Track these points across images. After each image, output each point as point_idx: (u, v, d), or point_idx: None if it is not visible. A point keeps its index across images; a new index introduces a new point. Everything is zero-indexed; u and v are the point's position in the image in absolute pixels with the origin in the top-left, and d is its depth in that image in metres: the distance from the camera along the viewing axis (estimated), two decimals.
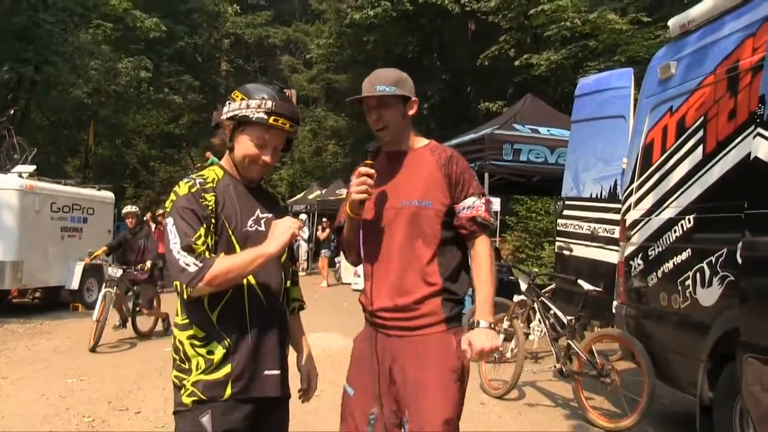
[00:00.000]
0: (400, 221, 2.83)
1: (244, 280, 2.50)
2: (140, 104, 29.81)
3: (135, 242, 10.31)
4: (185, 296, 2.38)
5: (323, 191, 25.83)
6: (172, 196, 2.52)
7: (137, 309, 10.36)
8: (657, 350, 5.52)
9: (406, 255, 2.83)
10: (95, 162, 27.72)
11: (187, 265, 2.37)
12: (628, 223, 5.97)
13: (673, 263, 5.18)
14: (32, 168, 13.76)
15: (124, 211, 10.62)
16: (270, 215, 2.64)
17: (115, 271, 9.75)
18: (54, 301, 13.91)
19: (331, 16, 30.22)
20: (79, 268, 13.58)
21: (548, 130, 10.55)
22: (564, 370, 6.29)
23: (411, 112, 2.91)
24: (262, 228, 2.59)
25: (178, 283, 2.39)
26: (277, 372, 2.58)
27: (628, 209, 6.01)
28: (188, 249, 2.40)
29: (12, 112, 15.97)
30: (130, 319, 10.25)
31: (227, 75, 39.66)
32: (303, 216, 22.52)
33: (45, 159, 23.74)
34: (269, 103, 2.50)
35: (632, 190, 5.96)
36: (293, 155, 36.54)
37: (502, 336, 7.07)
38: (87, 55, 21.50)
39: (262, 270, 2.49)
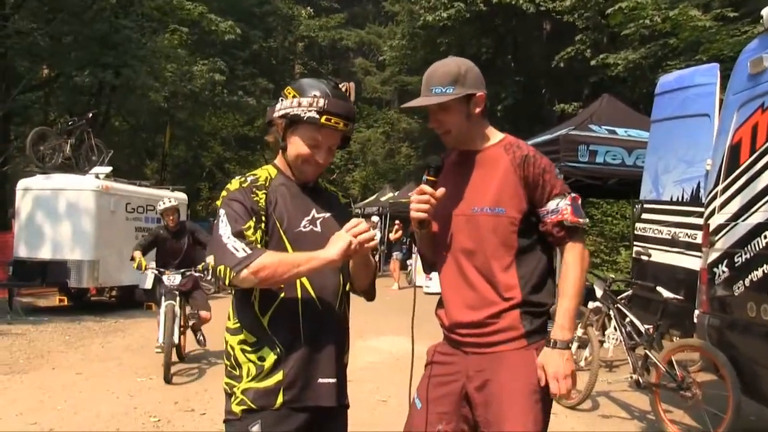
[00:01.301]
0: (472, 230, 2.60)
1: (298, 282, 2.36)
2: (215, 107, 30.26)
3: (176, 243, 8.77)
4: (227, 281, 2.26)
5: (396, 193, 25.73)
6: (224, 192, 2.43)
7: (188, 323, 8.77)
8: (742, 363, 5.17)
9: (479, 266, 2.59)
10: (172, 164, 28.30)
11: (236, 249, 2.26)
12: (712, 227, 5.61)
13: (763, 271, 4.83)
14: (108, 169, 14.20)
15: (160, 207, 8.84)
16: (327, 215, 2.51)
17: (173, 279, 8.26)
18: (129, 301, 14.17)
19: (403, 18, 30.10)
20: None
21: (626, 131, 10.16)
22: (641, 381, 5.98)
23: (477, 110, 2.61)
24: (318, 229, 2.46)
25: (222, 267, 2.26)
26: (332, 380, 2.44)
27: (712, 213, 5.66)
28: (239, 235, 2.30)
29: (91, 115, 16.43)
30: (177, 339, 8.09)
31: (302, 77, 39.74)
32: (375, 218, 22.42)
33: (124, 162, 24.42)
34: (321, 102, 2.36)
35: (717, 192, 5.61)
36: (366, 157, 36.58)
37: (576, 344, 6.79)
38: (164, 59, 21.93)
39: (318, 272, 2.33)
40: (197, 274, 8.59)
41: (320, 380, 2.40)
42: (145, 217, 14.38)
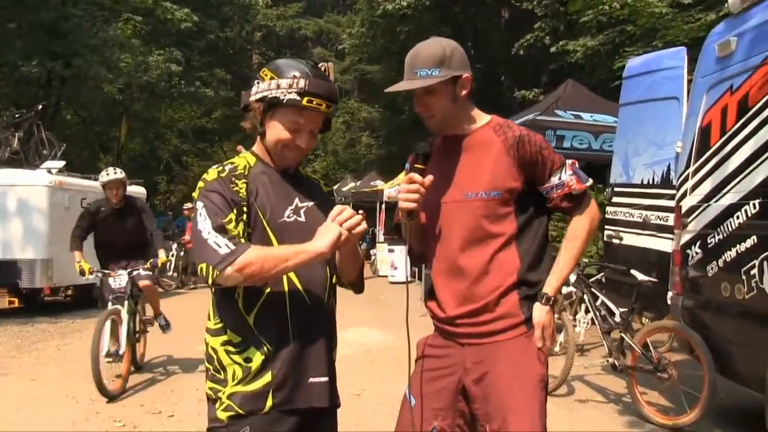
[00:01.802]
0: (465, 216, 2.51)
1: (284, 276, 2.23)
2: (172, 98, 29.64)
3: (120, 224, 7.36)
4: (210, 281, 2.10)
5: (357, 183, 25.67)
6: (200, 183, 2.27)
7: (144, 328, 7.88)
8: (717, 343, 5.24)
9: (473, 254, 2.51)
10: (128, 158, 27.72)
11: (218, 245, 2.10)
12: (684, 209, 5.66)
13: (737, 251, 4.88)
14: (62, 163, 13.58)
15: (102, 179, 7.27)
16: (311, 204, 2.38)
17: (119, 281, 7.01)
18: (86, 300, 13.42)
19: (362, 6, 29.77)
20: None
21: (591, 116, 10.24)
22: (617, 364, 6.02)
23: (464, 92, 2.51)
24: (302, 218, 2.33)
25: (204, 265, 2.10)
26: (324, 379, 2.31)
27: (683, 195, 5.71)
28: (221, 229, 2.14)
29: (40, 107, 15.75)
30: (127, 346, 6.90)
31: (259, 68, 39.33)
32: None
33: (77, 156, 23.62)
34: (302, 82, 2.22)
35: (688, 174, 5.66)
36: (326, 147, 36.37)
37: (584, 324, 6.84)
38: (117, 48, 21.26)
39: (305, 265, 2.20)
40: (146, 272, 7.37)
41: (311, 380, 2.28)
42: None
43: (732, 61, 5.19)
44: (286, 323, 2.24)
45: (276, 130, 2.29)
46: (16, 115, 15.04)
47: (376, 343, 9.12)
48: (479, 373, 2.47)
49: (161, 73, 24.69)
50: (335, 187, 28.27)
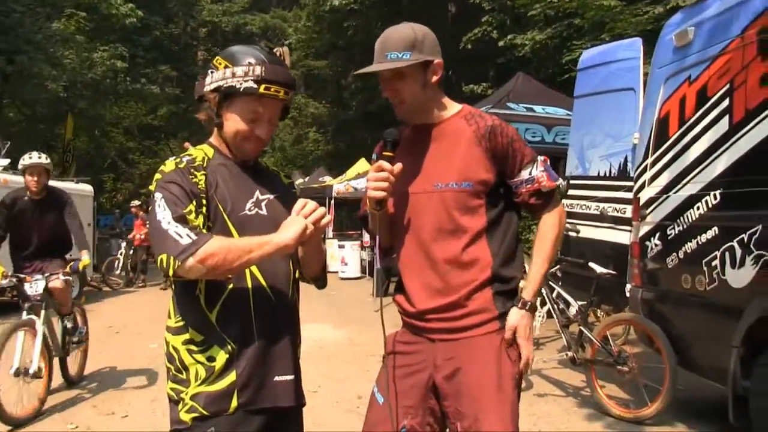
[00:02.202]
0: (435, 207, 2.41)
1: (247, 271, 2.14)
2: (117, 95, 29.16)
3: (40, 217, 6.40)
4: (170, 272, 2.00)
5: (306, 179, 25.47)
6: (158, 175, 2.16)
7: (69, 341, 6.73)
8: (677, 335, 5.22)
9: (445, 246, 2.41)
10: (74, 156, 27.13)
11: (180, 236, 2.00)
12: (642, 201, 5.63)
13: (697, 242, 4.85)
14: (6, 161, 13.26)
15: (23, 163, 6.51)
16: (271, 196, 2.30)
17: (36, 286, 6.08)
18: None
19: (309, 1, 29.61)
20: None
21: (543, 109, 10.24)
22: (576, 358, 5.96)
23: (435, 78, 2.42)
24: (264, 211, 2.25)
25: (164, 256, 2.00)
26: (289, 377, 2.24)
27: (641, 187, 5.68)
28: (181, 219, 2.04)
29: None
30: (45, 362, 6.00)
31: (204, 64, 39.01)
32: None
33: (21, 154, 23.07)
34: (258, 69, 2.13)
35: (646, 166, 5.63)
36: (274, 143, 36.03)
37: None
38: (61, 45, 20.86)
39: (268, 259, 2.12)
40: (64, 278, 6.29)
41: (276, 378, 2.20)
42: None
43: (690, 51, 5.17)
44: (250, 320, 2.15)
45: (233, 122, 2.20)
46: None
47: (330, 339, 9.04)
48: (450, 370, 2.38)
49: (106, 70, 24.42)
50: None
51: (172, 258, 1.98)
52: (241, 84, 2.13)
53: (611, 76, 7.03)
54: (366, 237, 17.43)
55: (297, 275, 2.35)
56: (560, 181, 2.53)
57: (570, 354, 6.06)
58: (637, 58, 6.73)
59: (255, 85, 2.12)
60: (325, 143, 34.13)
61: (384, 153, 2.42)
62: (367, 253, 17.44)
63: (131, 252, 16.73)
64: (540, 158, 2.49)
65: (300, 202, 2.15)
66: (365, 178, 13.67)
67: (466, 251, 2.39)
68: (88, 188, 15.39)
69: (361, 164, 19.30)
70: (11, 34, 18.30)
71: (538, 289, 2.47)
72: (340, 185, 19.04)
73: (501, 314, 2.41)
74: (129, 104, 32.28)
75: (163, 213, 2.05)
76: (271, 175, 2.43)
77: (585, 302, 6.23)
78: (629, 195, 6.06)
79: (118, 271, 16.75)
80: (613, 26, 14.71)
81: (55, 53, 20.33)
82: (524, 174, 2.43)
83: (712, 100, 4.79)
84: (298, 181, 25.93)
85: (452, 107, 2.52)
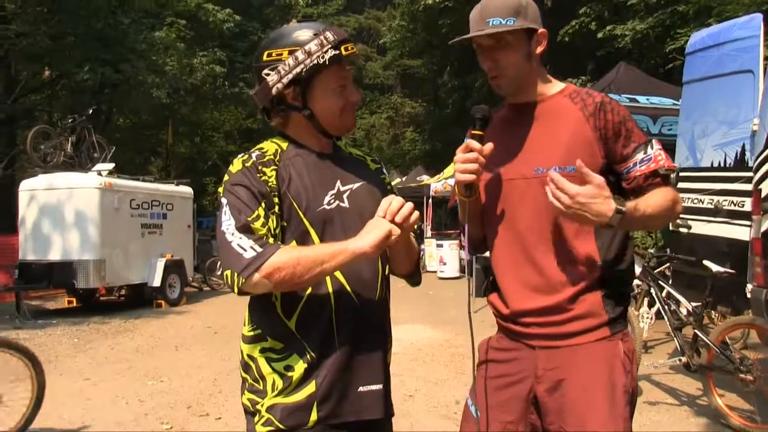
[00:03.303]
0: (534, 195, 2.10)
1: None
2: (217, 100, 29.98)
3: None
4: (235, 290, 1.87)
5: (404, 179, 25.38)
6: (226, 177, 2.00)
7: None
8: None
9: (547, 239, 2.12)
10: (176, 160, 28.02)
11: (243, 249, 1.85)
12: (764, 193, 5.13)
13: None
14: (111, 166, 13.85)
15: None
16: (356, 185, 2.10)
17: None
18: (138, 299, 13.94)
19: (402, 1, 29.62)
20: (160, 265, 13.61)
21: (647, 99, 9.70)
22: (692, 363, 5.50)
23: (539, 50, 2.16)
24: (346, 204, 2.04)
25: (228, 273, 1.86)
26: (376, 387, 2.04)
27: (763, 177, 5.19)
28: (245, 229, 1.88)
29: (91, 111, 16.01)
30: None
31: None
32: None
33: (129, 160, 24.25)
34: (329, 35, 1.98)
35: None
36: (371, 144, 36.21)
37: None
38: (162, 52, 21.67)
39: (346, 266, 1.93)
40: None
41: (361, 389, 2.00)
42: (150, 213, 14.01)
43: None
44: (331, 326, 1.98)
45: (327, 100, 2.03)
46: (69, 120, 15.44)
47: (427, 340, 8.87)
48: (554, 382, 2.09)
49: (206, 75, 25.32)
50: None
51: (236, 274, 1.84)
52: (323, 57, 1.96)
53: (726, 58, 6.45)
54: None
55: (387, 271, 2.15)
56: (676, 166, 2.18)
57: (684, 359, 5.61)
58: (756, 36, 6.13)
59: (336, 51, 1.97)
60: (422, 142, 34.07)
61: (473, 132, 2.15)
62: (465, 253, 17.12)
63: None
64: (654, 140, 2.17)
65: (385, 200, 1.94)
66: None
67: (570, 246, 2.10)
68: (188, 190, 15.75)
69: None
70: (117, 45, 19.16)
71: (638, 215, 2.00)
72: (437, 184, 18.86)
73: (611, 320, 2.10)
74: (228, 109, 33.12)
75: (227, 222, 1.90)
76: (355, 161, 2.22)
77: (699, 303, 5.74)
78: (748, 187, 5.54)
79: (219, 272, 16.99)
80: (721, 9, 13.95)
81: (157, 61, 21.16)
82: (638, 155, 2.11)
83: None
84: (395, 181, 25.86)
85: (555, 85, 2.24)
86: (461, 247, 17.30)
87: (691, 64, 7.18)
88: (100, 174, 13.04)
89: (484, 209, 2.27)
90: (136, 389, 6.85)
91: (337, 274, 1.96)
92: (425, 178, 22.21)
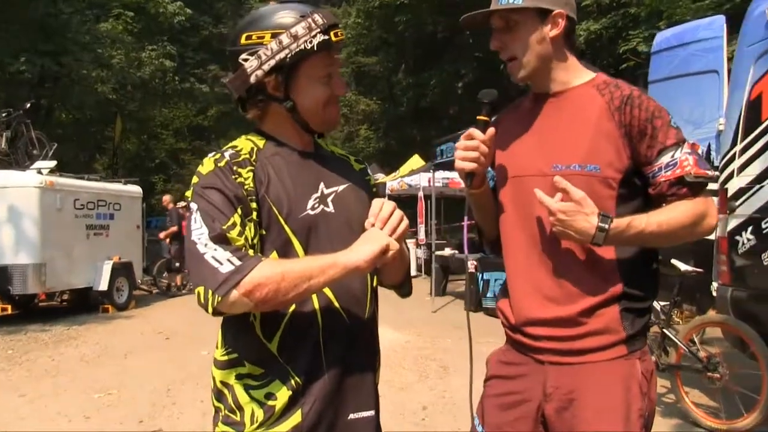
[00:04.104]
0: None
1: None
2: (166, 96, 29.36)
3: None
4: (209, 310, 1.63)
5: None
6: (195, 178, 1.76)
7: None
8: None
9: (564, 244, 1.93)
10: (124, 158, 27.36)
11: (219, 262, 1.62)
12: (730, 192, 5.16)
13: None
14: (53, 163, 13.07)
15: None
16: (341, 188, 1.88)
17: None
18: (83, 304, 13.20)
19: None
20: (107, 268, 12.93)
21: None
22: (660, 363, 5.49)
23: (555, 33, 1.95)
24: (331, 209, 1.82)
25: (200, 290, 1.63)
26: (368, 414, 1.85)
27: (729, 177, 5.21)
28: (221, 239, 1.65)
29: (29, 105, 15.14)
30: None
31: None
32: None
33: (72, 157, 23.51)
34: (318, 18, 1.75)
35: (734, 154, 5.16)
36: (325, 141, 35.98)
37: None
38: (108, 45, 21.04)
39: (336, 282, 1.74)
40: None
41: (352, 416, 1.81)
42: (96, 214, 13.35)
43: None
44: (318, 348, 1.76)
45: (311, 91, 1.80)
46: (3, 115, 14.38)
47: (389, 343, 8.60)
48: (564, 401, 1.93)
49: (155, 70, 24.67)
50: None
51: (210, 292, 1.61)
52: (311, 41, 1.73)
53: (691, 58, 6.51)
54: (421, 235, 17.08)
55: (375, 283, 1.93)
56: (713, 172, 2.00)
57: (652, 358, 5.60)
58: (719, 37, 6.22)
59: (326, 36, 1.75)
60: (376, 140, 33.89)
61: (478, 117, 1.99)
62: (423, 251, 17.08)
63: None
64: (689, 142, 1.97)
65: (376, 203, 1.76)
66: (419, 174, 13.17)
67: (591, 252, 1.92)
68: (136, 189, 15.16)
69: (415, 160, 18.97)
70: (59, 36, 18.43)
71: (631, 233, 1.84)
72: (393, 182, 18.75)
73: (629, 337, 1.92)
74: (178, 105, 32.54)
75: (198, 231, 1.67)
76: (338, 160, 1.99)
77: (667, 303, 5.74)
78: (714, 186, 5.56)
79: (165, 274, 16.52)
80: (671, 13, 14.18)
81: (103, 54, 20.48)
82: (664, 157, 1.88)
83: None
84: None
85: (583, 74, 2.03)
86: (418, 245, 17.27)
87: (656, 63, 7.22)
88: (40, 172, 12.25)
89: (499, 206, 2.11)
90: (80, 404, 6.29)
91: (325, 288, 1.74)
92: (380, 176, 22.08)
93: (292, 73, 1.77)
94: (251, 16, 1.83)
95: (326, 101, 1.81)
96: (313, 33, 1.73)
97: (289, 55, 1.73)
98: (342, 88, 1.85)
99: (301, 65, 1.77)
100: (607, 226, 1.80)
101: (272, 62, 1.74)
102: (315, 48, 1.73)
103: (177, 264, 15.84)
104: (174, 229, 15.88)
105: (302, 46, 1.73)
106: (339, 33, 1.79)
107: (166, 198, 17.04)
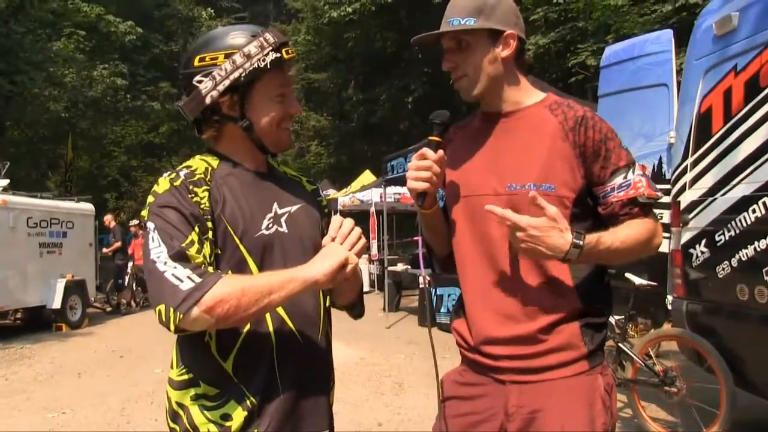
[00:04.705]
0: None
1: None
2: (118, 114, 29.11)
3: None
4: (171, 327, 1.61)
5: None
6: (150, 198, 1.75)
7: None
8: (732, 352, 4.74)
9: (521, 261, 1.93)
10: (76, 176, 27.00)
11: (179, 279, 1.60)
12: (683, 205, 5.15)
13: (755, 249, 4.38)
14: (5, 182, 13.03)
15: None
16: (294, 208, 1.88)
17: None
18: (36, 322, 13.07)
19: (307, 15, 29.45)
20: (60, 286, 12.86)
21: None
22: (616, 377, 5.47)
23: (506, 53, 1.97)
24: (285, 229, 1.82)
25: (161, 308, 1.61)
26: None
27: (682, 190, 5.20)
28: (180, 257, 1.63)
29: None
30: None
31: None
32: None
33: (25, 175, 23.28)
34: (269, 37, 1.78)
35: (686, 167, 5.16)
36: (276, 158, 35.84)
37: None
38: (60, 64, 20.90)
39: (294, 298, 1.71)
40: None
41: None
42: (49, 232, 13.28)
43: (734, 38, 4.71)
44: (273, 367, 1.76)
45: (266, 110, 1.82)
46: None
47: (343, 359, 8.53)
48: (526, 420, 1.90)
49: (106, 88, 24.66)
50: None
51: (171, 310, 1.59)
52: (263, 59, 1.75)
53: (640, 72, 6.54)
54: (374, 250, 17.01)
55: (328, 303, 1.94)
56: (660, 194, 2.01)
57: None
58: (668, 51, 6.27)
59: (278, 54, 1.77)
60: (327, 156, 33.87)
61: (430, 138, 2.00)
62: (375, 267, 17.01)
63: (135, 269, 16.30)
64: (638, 164, 2.01)
65: (336, 221, 1.78)
66: (371, 190, 13.12)
67: (547, 270, 1.92)
68: (89, 207, 15.07)
69: (366, 176, 18.95)
70: (11, 56, 18.33)
71: (601, 248, 1.84)
72: (345, 198, 18.69)
73: (590, 352, 1.92)
74: (130, 123, 32.26)
75: (157, 250, 1.65)
76: (290, 181, 2.00)
77: (622, 316, 5.73)
78: (667, 199, 5.57)
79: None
80: (619, 27, 14.44)
81: (56, 72, 20.46)
82: (617, 178, 1.93)
83: (766, 91, 4.32)
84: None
85: (534, 94, 2.06)
86: (371, 261, 17.19)
87: (606, 77, 7.26)
88: None
89: (451, 225, 2.09)
90: (34, 424, 6.25)
91: (279, 308, 1.75)
92: (332, 192, 22.01)
93: (247, 93, 1.79)
94: (203, 38, 1.84)
95: (280, 120, 1.81)
96: (266, 51, 1.75)
97: (243, 74, 1.75)
98: (296, 107, 1.86)
99: (256, 84, 1.78)
100: (581, 243, 1.80)
101: (227, 82, 1.75)
102: (268, 66, 1.75)
103: (120, 281, 15.88)
104: (118, 244, 15.99)
105: (255, 65, 1.75)
106: (290, 50, 1.82)
107: (108, 217, 17.02)
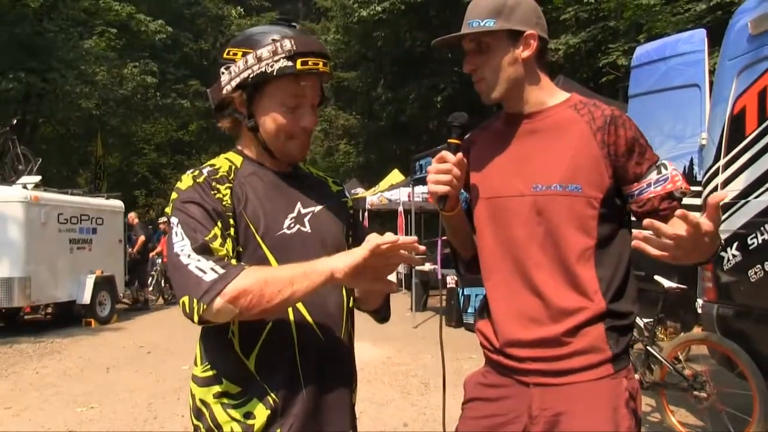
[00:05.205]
0: (533, 215, 1.92)
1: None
2: (148, 111, 29.43)
3: None
4: (195, 318, 1.61)
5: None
6: (174, 194, 1.77)
7: None
8: (763, 357, 4.66)
9: (547, 263, 1.90)
10: (106, 173, 27.36)
11: (202, 271, 1.60)
12: None
13: None
14: (37, 178, 13.24)
15: None
16: (318, 208, 1.88)
17: None
18: (67, 317, 13.30)
19: (336, 13, 29.50)
20: (90, 282, 13.03)
21: None
22: (644, 381, 5.41)
23: (526, 53, 1.95)
24: (308, 229, 1.82)
25: (185, 299, 1.61)
26: None
27: (713, 192, 5.12)
28: (203, 250, 1.64)
29: (15, 121, 15.50)
30: None
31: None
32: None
33: (57, 172, 23.59)
34: (287, 43, 1.74)
35: (718, 169, 5.09)
36: (304, 161, 35.98)
37: None
38: (92, 62, 21.22)
39: (316, 290, 1.67)
40: None
41: None
42: (79, 228, 13.45)
43: None
44: (295, 366, 1.75)
45: (272, 118, 1.79)
46: None
47: (369, 358, 8.58)
48: (550, 423, 1.88)
49: (136, 86, 24.80)
50: None
51: (195, 301, 1.59)
52: (272, 66, 1.72)
53: (671, 72, 6.44)
54: None
55: (351, 303, 1.92)
56: (689, 188, 2.00)
57: (636, 376, 5.51)
58: (701, 51, 6.17)
59: (290, 63, 1.73)
60: (356, 155, 33.89)
61: (449, 140, 2.00)
62: (403, 266, 16.98)
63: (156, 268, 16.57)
64: (665, 160, 1.99)
65: (371, 240, 1.63)
66: (399, 189, 13.12)
67: (573, 272, 1.89)
68: (118, 204, 15.23)
69: (395, 175, 18.93)
70: (44, 54, 18.56)
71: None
72: (373, 197, 18.68)
73: (615, 356, 1.88)
74: (159, 120, 32.57)
75: (181, 243, 1.66)
76: (316, 182, 2.00)
77: (651, 319, 5.66)
78: (697, 201, 5.49)
79: (150, 288, 16.48)
80: (651, 26, 14.27)
81: (87, 70, 20.66)
82: (651, 175, 1.91)
83: None
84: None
85: (557, 94, 2.04)
86: None
87: (636, 77, 7.16)
88: (25, 187, 12.40)
89: (476, 227, 2.08)
90: (64, 418, 6.34)
91: (300, 306, 1.74)
92: (360, 191, 22.02)
93: (256, 94, 1.78)
94: (242, 33, 1.87)
95: (288, 132, 1.79)
96: (276, 58, 1.73)
97: (251, 75, 1.75)
98: (309, 120, 1.81)
99: (266, 88, 1.77)
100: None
101: (237, 80, 1.77)
102: (275, 73, 1.73)
103: (140, 279, 16.05)
104: (142, 238, 16.16)
105: (263, 69, 1.73)
106: (310, 62, 1.75)
107: (131, 215, 17.16)
